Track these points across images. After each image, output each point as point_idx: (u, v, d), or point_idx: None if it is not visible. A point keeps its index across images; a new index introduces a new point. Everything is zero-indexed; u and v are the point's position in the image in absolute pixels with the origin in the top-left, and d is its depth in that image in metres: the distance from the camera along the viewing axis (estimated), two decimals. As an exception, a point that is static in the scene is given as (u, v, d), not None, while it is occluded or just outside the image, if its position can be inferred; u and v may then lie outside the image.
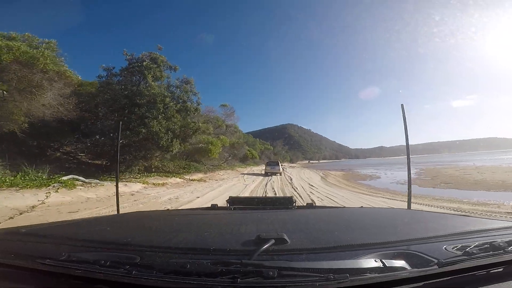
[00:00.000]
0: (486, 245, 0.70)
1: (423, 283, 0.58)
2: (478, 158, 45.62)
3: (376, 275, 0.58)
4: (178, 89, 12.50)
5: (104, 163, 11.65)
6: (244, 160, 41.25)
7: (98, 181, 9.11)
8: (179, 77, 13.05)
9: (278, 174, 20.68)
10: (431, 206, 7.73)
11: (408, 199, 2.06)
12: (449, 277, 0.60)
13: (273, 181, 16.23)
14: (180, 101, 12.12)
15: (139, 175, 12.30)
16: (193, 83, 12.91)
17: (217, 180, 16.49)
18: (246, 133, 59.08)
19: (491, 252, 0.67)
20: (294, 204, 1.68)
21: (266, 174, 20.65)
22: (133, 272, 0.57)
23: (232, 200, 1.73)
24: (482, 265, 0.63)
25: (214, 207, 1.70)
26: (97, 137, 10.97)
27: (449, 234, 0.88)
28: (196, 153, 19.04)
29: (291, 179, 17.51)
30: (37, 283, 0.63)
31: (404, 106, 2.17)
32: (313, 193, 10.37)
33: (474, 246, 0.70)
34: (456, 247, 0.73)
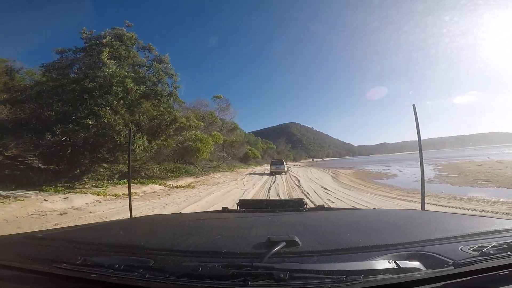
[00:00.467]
0: (504, 245, 0.67)
1: (442, 283, 0.56)
2: (488, 152, 44.97)
3: (390, 276, 0.56)
4: (147, 70, 9.65)
5: (56, 167, 9.01)
6: (246, 160, 38.71)
7: (26, 192, 6.46)
8: (148, 56, 10.15)
9: (283, 174, 20.60)
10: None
11: (422, 199, 2.00)
12: (466, 278, 0.58)
13: (278, 184, 13.53)
14: (148, 83, 9.20)
15: (104, 183, 9.63)
16: (168, 61, 9.88)
17: (209, 185, 13.75)
18: (248, 133, 56.86)
19: (509, 253, 0.64)
20: (304, 206, 1.64)
21: (271, 174, 20.83)
22: (147, 276, 0.58)
23: (243, 203, 1.71)
24: (500, 265, 0.60)
25: (225, 210, 1.67)
26: (49, 135, 8.25)
27: (465, 234, 0.86)
28: (186, 153, 16.29)
29: (298, 181, 14.72)
30: (54, 287, 0.64)
31: (415, 106, 2.10)
32: (331, 201, 7.56)
33: (492, 247, 0.67)
34: (472, 247, 0.70)
